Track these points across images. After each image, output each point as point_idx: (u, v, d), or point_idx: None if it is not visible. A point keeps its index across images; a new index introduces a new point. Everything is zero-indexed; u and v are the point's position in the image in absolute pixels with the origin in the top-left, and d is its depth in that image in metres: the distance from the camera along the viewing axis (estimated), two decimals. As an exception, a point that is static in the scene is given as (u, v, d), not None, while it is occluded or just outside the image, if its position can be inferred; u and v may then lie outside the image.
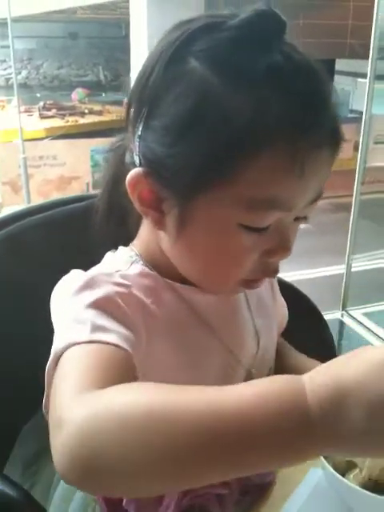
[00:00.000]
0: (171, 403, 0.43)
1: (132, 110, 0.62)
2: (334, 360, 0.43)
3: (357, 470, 0.62)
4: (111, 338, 0.54)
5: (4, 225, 0.85)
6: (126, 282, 0.62)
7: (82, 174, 5.16)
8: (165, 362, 0.64)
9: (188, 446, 0.41)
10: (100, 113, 6.05)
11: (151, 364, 0.61)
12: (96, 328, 0.55)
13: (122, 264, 0.67)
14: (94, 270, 0.65)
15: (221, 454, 0.41)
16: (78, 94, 6.84)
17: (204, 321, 0.68)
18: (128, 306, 0.59)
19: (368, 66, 2.31)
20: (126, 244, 0.71)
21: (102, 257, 0.70)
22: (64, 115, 6.22)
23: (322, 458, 0.60)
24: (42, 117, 6.21)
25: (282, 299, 0.87)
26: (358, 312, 2.79)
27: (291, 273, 3.24)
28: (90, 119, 6.22)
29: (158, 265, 0.67)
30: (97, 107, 6.45)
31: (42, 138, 5.64)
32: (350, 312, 2.78)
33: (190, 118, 0.56)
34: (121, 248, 0.70)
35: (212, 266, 0.63)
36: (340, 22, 6.80)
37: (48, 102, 6.36)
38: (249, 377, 0.73)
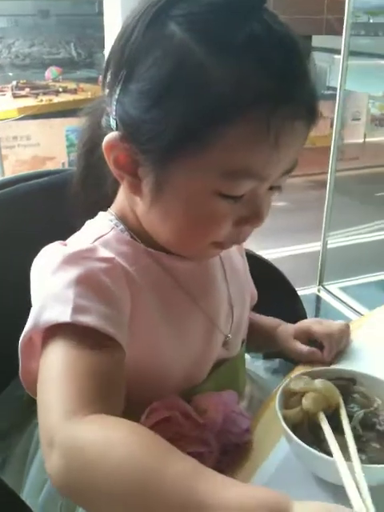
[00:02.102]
0: (160, 484, 0.44)
1: (110, 72, 0.61)
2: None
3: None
4: (92, 320, 0.55)
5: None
6: (108, 254, 0.63)
7: (56, 155, 5.09)
8: (150, 329, 0.66)
9: None
10: (74, 91, 5.95)
11: (137, 331, 0.62)
12: (77, 309, 0.55)
13: (102, 228, 0.67)
14: (75, 243, 0.65)
15: None
16: (51, 72, 6.71)
17: (183, 287, 0.69)
18: (112, 280, 0.60)
19: (342, 43, 2.32)
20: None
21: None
22: (38, 94, 6.10)
23: (286, 428, 0.62)
24: (15, 96, 6.08)
25: (250, 276, 0.89)
26: (334, 287, 2.84)
27: (271, 250, 3.27)
28: (64, 98, 6.11)
29: (135, 230, 0.67)
30: (71, 86, 6.34)
31: (15, 118, 5.53)
32: (327, 287, 2.83)
33: (166, 84, 0.55)
34: (100, 213, 0.70)
35: (186, 232, 0.63)
36: (316, -3, 6.77)
37: (21, 82, 6.23)
38: (226, 342, 0.76)
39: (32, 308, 0.59)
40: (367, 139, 4.76)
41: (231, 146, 0.56)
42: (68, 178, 0.75)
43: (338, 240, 3.54)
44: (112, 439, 0.47)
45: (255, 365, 1.00)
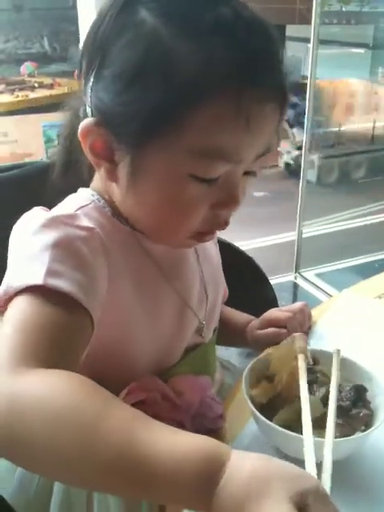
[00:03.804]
0: (97, 434, 0.43)
1: (84, 61, 0.63)
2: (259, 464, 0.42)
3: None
4: (65, 284, 0.55)
5: None
6: (89, 224, 0.63)
7: (34, 151, 5.04)
8: (124, 303, 0.66)
9: (101, 469, 0.43)
10: (50, 86, 5.88)
11: (112, 303, 0.63)
12: (51, 272, 0.55)
13: (83, 200, 0.68)
14: (57, 210, 0.66)
15: (127, 488, 0.44)
16: (27, 67, 6.63)
17: (157, 265, 0.70)
18: (90, 250, 0.60)
19: (311, 32, 2.34)
20: None
21: None
22: (13, 90, 6.03)
23: (252, 407, 0.64)
24: (-9, 93, 6.01)
25: (222, 273, 0.91)
26: (310, 273, 2.88)
27: (252, 240, 3.30)
28: (40, 93, 6.04)
29: (116, 209, 0.68)
30: (47, 80, 6.27)
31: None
32: (303, 274, 2.87)
33: (138, 66, 0.57)
34: (81, 189, 0.71)
35: (163, 216, 0.64)
36: (288, -14, 6.75)
37: (-4, 78, 6.16)
38: (199, 328, 0.78)
39: (7, 269, 0.59)
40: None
41: (203, 127, 0.57)
42: (41, 169, 0.76)
43: (317, 228, 3.58)
44: (53, 389, 0.46)
45: (228, 351, 1.02)
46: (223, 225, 0.67)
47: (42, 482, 0.69)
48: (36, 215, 0.63)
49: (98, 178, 0.70)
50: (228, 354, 1.01)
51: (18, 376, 0.47)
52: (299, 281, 2.88)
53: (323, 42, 2.60)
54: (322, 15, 2.63)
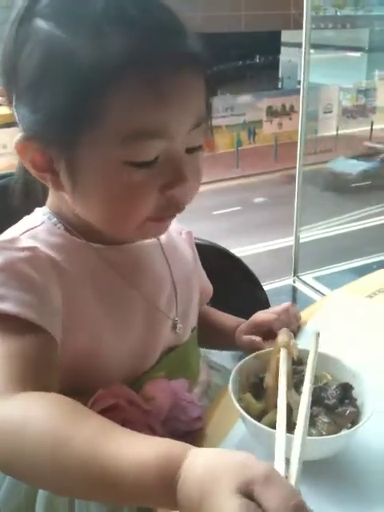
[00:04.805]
0: (67, 454, 0.47)
1: (4, 85, 0.64)
2: (214, 464, 0.43)
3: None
4: (10, 306, 0.57)
5: None
6: (30, 244, 0.63)
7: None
8: (89, 316, 0.67)
9: (75, 482, 0.47)
10: (48, 98, 5.92)
11: (76, 321, 0.64)
12: None
13: (33, 222, 0.69)
14: (2, 235, 0.67)
15: (98, 496, 0.49)
16: (25, 80, 6.64)
17: (118, 272, 0.70)
18: (35, 269, 0.61)
19: (302, 37, 2.35)
20: None
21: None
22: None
23: (240, 410, 0.64)
24: (-10, 105, 6.04)
25: (205, 275, 0.92)
26: (308, 276, 2.89)
27: (253, 245, 3.31)
28: (39, 104, 6.05)
29: (71, 224, 0.69)
30: (45, 92, 6.29)
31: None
32: (302, 277, 2.88)
33: (41, 71, 0.58)
34: (36, 208, 0.72)
35: (112, 211, 0.64)
36: (283, -7, 6.80)
37: (-6, 90, 6.21)
38: (174, 326, 0.78)
39: None
40: (340, 131, 4.79)
41: (119, 112, 0.57)
42: None
43: (316, 232, 3.58)
44: (28, 415, 0.49)
45: (222, 354, 1.03)
46: (178, 206, 0.66)
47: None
48: None
49: (52, 192, 0.70)
50: (220, 357, 1.02)
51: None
52: (298, 284, 2.89)
53: (320, 47, 2.63)
54: (318, 20, 2.66)
